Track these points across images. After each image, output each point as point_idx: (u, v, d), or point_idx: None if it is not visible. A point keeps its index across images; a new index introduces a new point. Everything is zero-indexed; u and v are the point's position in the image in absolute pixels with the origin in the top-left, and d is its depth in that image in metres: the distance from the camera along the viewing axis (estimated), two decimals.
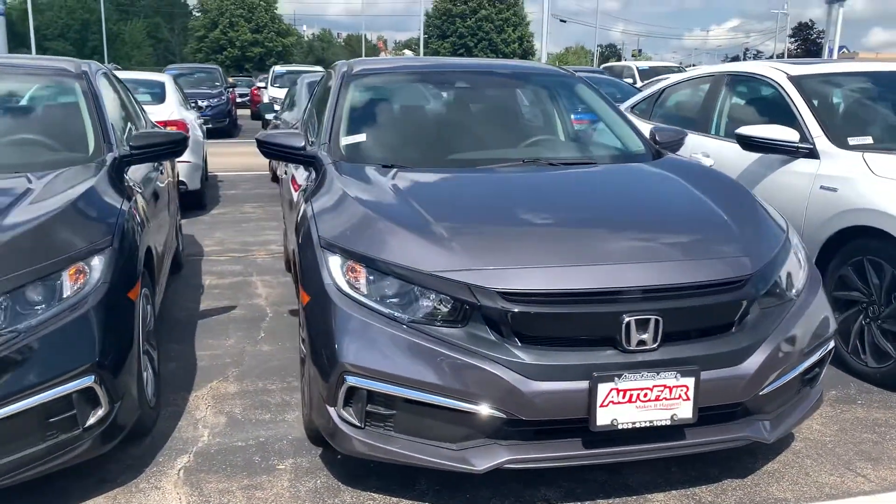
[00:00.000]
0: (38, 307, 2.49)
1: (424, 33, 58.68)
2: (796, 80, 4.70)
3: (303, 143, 3.68)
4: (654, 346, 2.45)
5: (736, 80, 5.39)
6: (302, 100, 8.80)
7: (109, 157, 3.57)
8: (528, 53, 60.44)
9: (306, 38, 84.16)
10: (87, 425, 2.55)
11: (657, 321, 2.43)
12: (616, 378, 2.39)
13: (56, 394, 2.45)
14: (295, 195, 3.95)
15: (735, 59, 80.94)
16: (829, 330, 2.83)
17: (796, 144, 4.30)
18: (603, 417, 2.41)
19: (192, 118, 9.08)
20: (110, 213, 3.02)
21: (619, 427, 2.43)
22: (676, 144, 4.08)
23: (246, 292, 5.39)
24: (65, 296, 2.56)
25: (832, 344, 2.87)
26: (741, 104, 5.34)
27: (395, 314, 2.52)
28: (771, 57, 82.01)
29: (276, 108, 11.32)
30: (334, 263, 2.70)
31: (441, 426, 2.50)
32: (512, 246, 2.61)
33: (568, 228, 2.78)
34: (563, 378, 2.39)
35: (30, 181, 3.10)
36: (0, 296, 2.41)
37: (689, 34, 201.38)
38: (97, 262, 2.70)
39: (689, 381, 2.44)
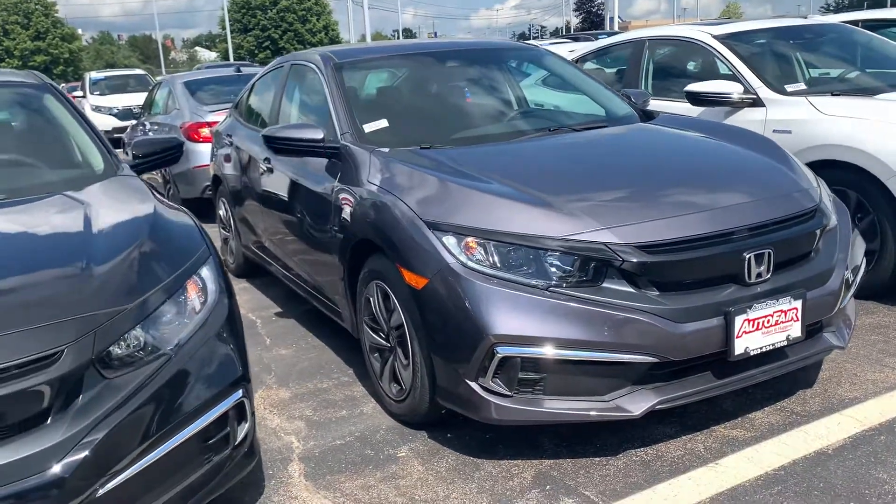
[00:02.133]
0: (178, 326, 2.32)
1: (224, 28, 56.46)
2: (723, 39, 5.20)
3: (322, 135, 3.59)
4: (768, 276, 2.71)
5: (657, 43, 5.83)
6: (181, 102, 8.33)
7: (127, 170, 3.30)
8: (334, 42, 59.98)
9: (85, 42, 78.11)
10: (236, 443, 2.41)
11: (769, 254, 2.70)
12: (748, 310, 2.63)
13: (216, 413, 2.30)
14: (276, 193, 3.84)
15: (522, 35, 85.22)
16: (863, 248, 3.25)
17: (741, 96, 4.78)
18: (739, 347, 2.64)
19: None
20: (186, 222, 2.82)
21: (751, 354, 2.67)
22: (647, 105, 4.40)
23: None
24: (196, 310, 2.40)
25: (863, 259, 3.29)
26: (667, 66, 5.79)
27: (532, 282, 2.60)
28: (556, 31, 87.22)
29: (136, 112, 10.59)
30: (450, 242, 2.72)
31: (589, 381, 2.63)
32: (628, 203, 2.77)
33: (661, 182, 2.97)
34: (703, 317, 2.59)
35: (75, 201, 2.83)
36: (139, 322, 2.21)
37: (475, 14, 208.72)
38: (207, 273, 2.53)
39: (799, 304, 2.73)
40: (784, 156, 3.33)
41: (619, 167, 3.12)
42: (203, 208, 8.07)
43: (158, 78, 12.24)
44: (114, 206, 2.81)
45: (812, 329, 2.92)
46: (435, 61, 4.32)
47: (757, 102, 4.76)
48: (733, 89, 4.78)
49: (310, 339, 4.32)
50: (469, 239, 2.70)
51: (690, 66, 5.61)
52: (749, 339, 2.66)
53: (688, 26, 5.68)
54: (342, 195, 3.44)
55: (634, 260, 2.57)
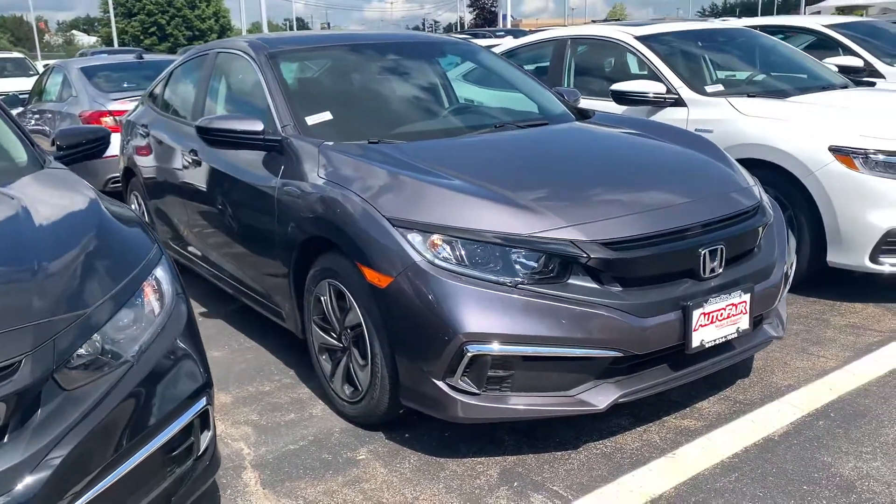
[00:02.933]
0: (137, 331, 2.16)
1: (105, 12, 53.70)
2: (644, 40, 5.36)
3: (262, 127, 3.46)
4: (720, 271, 2.81)
5: (579, 42, 5.95)
6: (78, 89, 7.83)
7: (55, 163, 3.07)
8: (225, 29, 58.16)
9: None
10: (199, 453, 2.29)
11: (721, 249, 2.80)
12: (703, 304, 2.72)
13: (181, 422, 2.16)
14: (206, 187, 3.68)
15: (416, 29, 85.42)
16: (794, 243, 3.43)
17: (664, 95, 4.95)
18: (696, 340, 2.73)
19: None
20: (132, 218, 2.65)
21: (706, 346, 2.77)
22: (578, 103, 4.48)
23: None
24: (154, 313, 2.25)
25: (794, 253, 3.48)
26: (589, 65, 5.92)
27: (500, 279, 2.59)
28: (449, 27, 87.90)
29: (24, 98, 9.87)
30: (416, 240, 2.67)
31: (554, 376, 2.65)
32: (589, 201, 2.80)
33: (616, 180, 3.02)
34: (663, 311, 2.66)
35: (4, 196, 2.59)
36: (98, 328, 2.05)
37: (368, 6, 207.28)
38: (162, 274, 2.38)
39: (748, 297, 2.85)
40: (722, 154, 3.47)
41: (572, 165, 3.16)
42: None
43: (49, 62, 11.48)
44: (51, 201, 2.60)
45: (755, 321, 3.06)
46: (373, 53, 4.24)
47: (679, 102, 4.94)
48: (656, 89, 4.94)
49: (242, 339, 4.16)
50: (435, 236, 2.66)
51: (611, 65, 5.76)
52: (704, 332, 2.75)
53: (610, 26, 5.83)
54: (287, 190, 3.32)
55: (600, 256, 2.60)
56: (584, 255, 2.59)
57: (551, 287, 2.60)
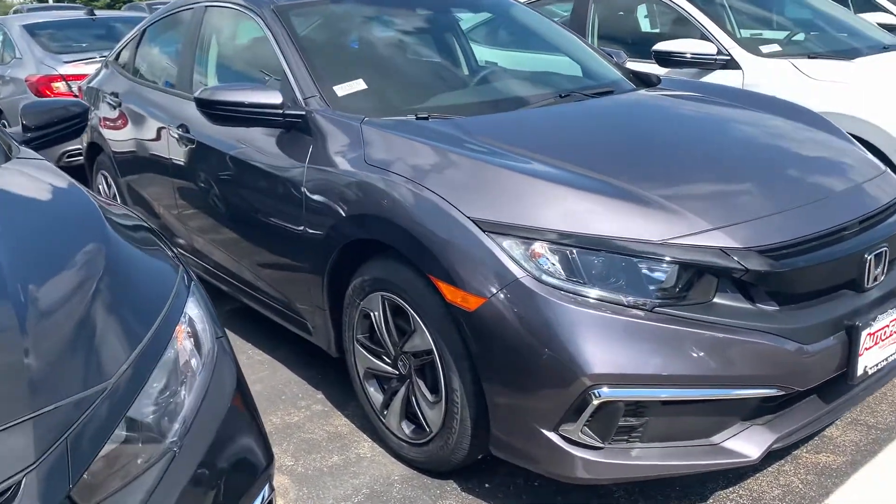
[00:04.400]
0: (175, 402, 1.52)
1: None
2: None
3: (282, 100, 2.78)
4: (882, 279, 2.28)
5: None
6: (22, 49, 6.90)
7: (27, 151, 2.37)
8: None
9: None
10: None
11: (886, 251, 2.26)
12: (871, 321, 2.18)
13: None
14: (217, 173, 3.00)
15: None
16: None
17: (714, 56, 4.38)
18: (860, 367, 2.19)
19: None
20: (144, 232, 1.98)
21: (869, 373, 2.24)
22: (625, 65, 3.88)
23: None
24: (194, 371, 1.60)
25: None
26: (617, 20, 5.30)
27: (631, 300, 2.00)
28: None
29: None
30: (514, 249, 2.06)
31: (693, 421, 2.09)
32: (726, 195, 2.22)
33: (742, 166, 2.42)
34: (826, 334, 2.12)
35: None
36: (126, 409, 1.41)
37: None
38: (195, 311, 1.74)
39: None
40: (840, 131, 2.91)
41: (680, 148, 2.55)
42: None
43: None
44: (33, 214, 1.91)
45: None
46: (402, 5, 3.55)
47: (730, 64, 4.37)
48: (706, 49, 4.37)
49: (249, 350, 3.51)
50: (538, 244, 2.06)
51: (642, 20, 5.16)
52: (869, 355, 2.21)
53: None
54: (319, 178, 2.66)
55: (757, 268, 2.03)
56: (740, 268, 2.02)
57: (694, 309, 2.03)
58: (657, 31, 5.00)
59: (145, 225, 2.05)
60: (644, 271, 2.03)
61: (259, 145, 3.00)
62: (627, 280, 2.03)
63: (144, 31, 4.39)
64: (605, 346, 1.96)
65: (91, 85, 4.80)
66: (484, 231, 2.11)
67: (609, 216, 2.08)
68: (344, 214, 2.54)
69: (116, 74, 4.51)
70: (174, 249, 1.97)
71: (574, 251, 2.04)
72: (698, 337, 1.98)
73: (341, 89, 2.88)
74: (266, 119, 2.81)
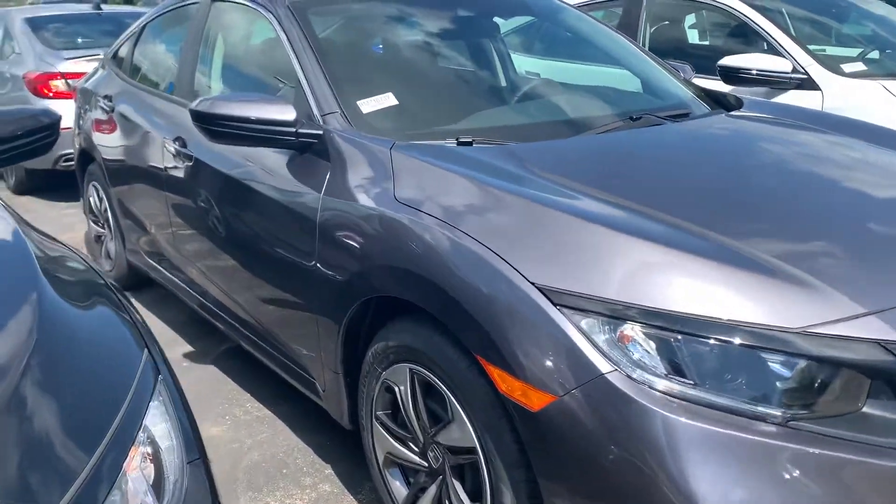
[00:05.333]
0: None
1: None
2: (751, 2, 4.24)
3: (295, 116, 2.27)
4: None
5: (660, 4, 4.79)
6: (22, 44, 6.43)
7: None
8: None
9: None
10: None
11: None
12: None
13: None
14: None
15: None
16: None
17: (788, 75, 3.85)
18: None
19: None
20: (98, 287, 1.48)
21: None
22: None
23: None
24: None
25: None
26: (673, 29, 4.78)
27: (759, 411, 1.47)
28: None
29: None
30: (596, 331, 1.54)
31: None
32: (878, 265, 1.68)
33: (891, 225, 1.89)
34: None
35: None
36: None
37: None
38: (158, 421, 1.23)
39: None
40: None
41: (797, 194, 2.00)
42: (57, 183, 6.35)
43: None
44: None
45: None
46: (437, 7, 3.03)
47: (807, 84, 3.84)
48: (780, 66, 3.84)
49: (247, 402, 3.00)
50: (628, 326, 1.54)
51: (696, 30, 4.63)
52: None
53: None
54: (336, 214, 2.15)
55: None
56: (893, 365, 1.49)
57: (841, 423, 1.49)
58: (712, 42, 4.47)
59: (103, 281, 1.55)
60: (774, 370, 1.50)
61: (267, 166, 2.50)
62: (751, 381, 1.50)
63: (144, 27, 3.90)
64: (724, 478, 1.43)
65: (85, 85, 4.32)
66: (554, 304, 1.58)
67: (728, 291, 1.54)
68: (365, 262, 2.02)
69: (112, 75, 4.03)
70: (139, 318, 1.46)
71: (679, 338, 1.51)
72: (844, 463, 1.45)
73: (367, 105, 2.36)
74: (275, 139, 2.30)
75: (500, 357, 1.63)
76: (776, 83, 3.86)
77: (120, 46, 4.13)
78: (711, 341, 1.50)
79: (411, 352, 1.93)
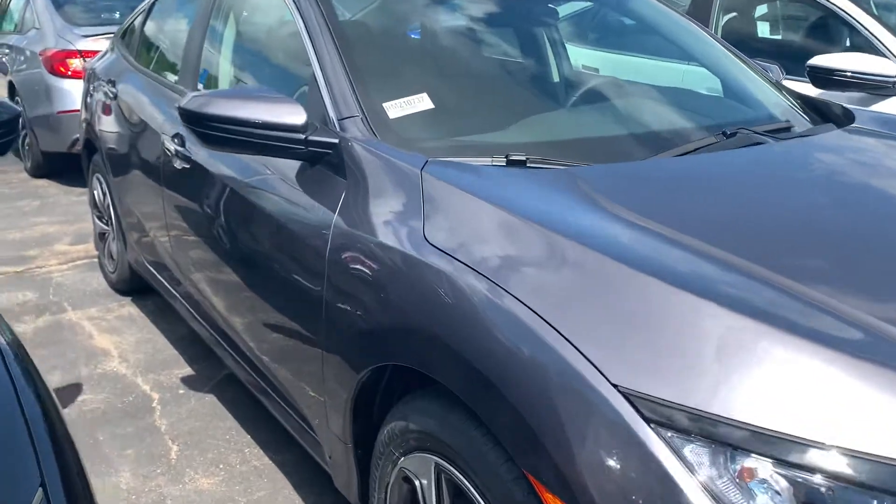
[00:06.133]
0: None
1: None
2: None
3: (304, 120, 1.81)
4: None
5: None
6: (42, 19, 6.07)
7: None
8: None
9: None
10: None
11: None
12: None
13: None
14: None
15: None
16: None
17: (893, 79, 3.29)
18: None
19: None
20: None
21: None
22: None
23: (78, 349, 3.24)
24: None
25: None
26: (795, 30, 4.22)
27: None
28: None
29: None
30: (705, 464, 1.06)
31: None
32: None
33: None
34: None
35: None
36: None
37: None
38: None
39: None
40: None
41: None
42: (76, 166, 6.00)
43: None
44: None
45: None
46: None
47: None
48: (885, 69, 3.28)
49: (246, 448, 2.57)
50: (754, 461, 1.06)
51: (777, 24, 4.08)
52: None
53: None
54: (350, 249, 1.69)
55: None
56: None
57: None
58: (789, 37, 3.91)
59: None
60: None
61: (273, 174, 2.06)
62: None
63: (154, 3, 3.47)
64: None
65: (94, 66, 3.92)
66: (646, 419, 1.10)
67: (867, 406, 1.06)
68: (382, 317, 1.56)
69: (119, 57, 3.61)
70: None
71: (832, 487, 1.03)
72: None
73: (395, 108, 1.89)
74: (280, 147, 1.85)
75: (561, 482, 1.17)
76: (877, 88, 3.31)
77: (129, 25, 3.71)
78: (879, 493, 1.01)
79: (438, 443, 1.47)
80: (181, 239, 2.72)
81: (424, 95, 1.92)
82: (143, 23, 3.48)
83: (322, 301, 1.77)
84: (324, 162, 1.87)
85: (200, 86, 2.68)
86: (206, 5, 2.79)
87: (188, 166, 2.50)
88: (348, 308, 1.68)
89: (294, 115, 1.81)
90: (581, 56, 3.45)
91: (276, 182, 2.03)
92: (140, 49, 3.41)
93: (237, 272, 2.29)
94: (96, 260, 4.12)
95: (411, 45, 2.31)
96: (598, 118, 2.20)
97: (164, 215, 2.83)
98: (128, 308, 3.68)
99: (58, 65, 5.61)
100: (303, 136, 1.82)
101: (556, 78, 2.66)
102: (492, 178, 1.62)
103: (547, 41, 2.87)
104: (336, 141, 1.83)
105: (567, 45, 3.04)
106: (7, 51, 6.51)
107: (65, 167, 6.22)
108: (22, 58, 6.13)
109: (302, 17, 2.13)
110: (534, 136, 1.95)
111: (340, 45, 2.01)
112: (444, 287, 1.41)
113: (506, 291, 1.31)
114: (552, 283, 1.32)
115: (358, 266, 1.65)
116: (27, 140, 6.21)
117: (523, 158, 1.70)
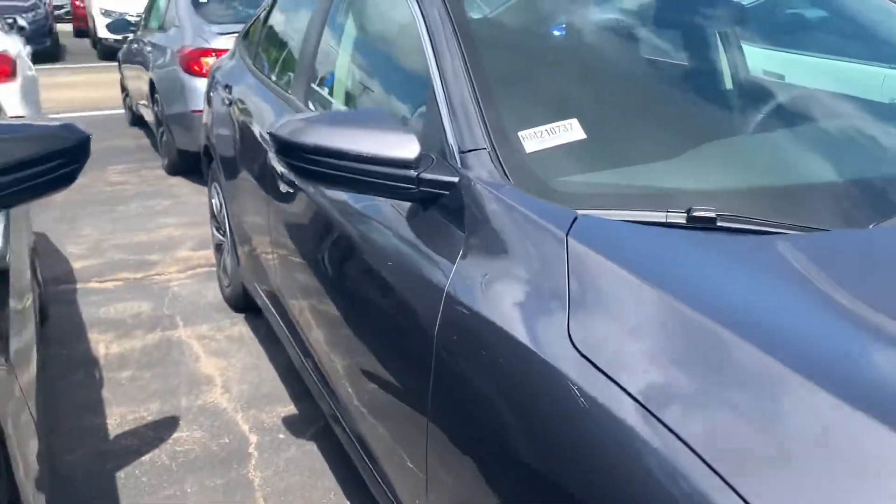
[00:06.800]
0: None
1: None
2: None
3: (417, 154, 1.41)
4: None
5: None
6: (182, 16, 6.05)
7: None
8: None
9: None
10: None
11: None
12: None
13: None
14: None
15: None
16: None
17: None
18: None
19: (17, 46, 6.10)
20: None
21: None
22: None
23: (182, 375, 3.02)
24: None
25: None
26: None
27: None
28: None
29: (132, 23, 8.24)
30: None
31: None
32: None
33: None
34: None
35: None
36: None
37: None
38: None
39: None
40: None
41: None
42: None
43: None
44: None
45: None
46: None
47: None
48: None
49: None
50: None
51: None
52: None
53: None
54: (465, 327, 1.28)
55: None
56: None
57: None
58: None
59: None
60: None
61: (381, 209, 1.67)
62: None
63: (274, 3, 3.19)
64: None
65: (215, 69, 3.71)
66: None
67: None
68: (499, 432, 1.13)
69: (238, 60, 3.37)
70: None
71: None
72: None
73: (533, 139, 1.45)
74: (387, 185, 1.45)
75: None
76: None
77: (252, 24, 3.46)
78: None
79: None
80: (285, 266, 2.41)
81: (574, 122, 1.46)
82: (263, 23, 3.21)
83: (430, 371, 1.37)
84: (439, 205, 1.46)
85: (313, 105, 2.34)
86: (323, 6, 2.45)
87: (292, 190, 2.17)
88: (460, 396, 1.26)
89: (404, 147, 1.41)
90: (758, 58, 2.88)
91: (389, 216, 1.65)
92: (257, 51, 3.14)
93: (340, 311, 1.93)
94: (215, 269, 3.95)
95: (558, 54, 1.85)
96: (804, 149, 1.67)
97: (271, 239, 2.53)
98: (239, 327, 3.45)
99: (192, 63, 5.54)
100: (414, 174, 1.42)
101: (739, 92, 2.12)
102: (668, 248, 1.16)
103: (726, 43, 2.33)
104: (455, 180, 1.42)
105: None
106: (149, 50, 6.56)
107: (198, 166, 6.19)
108: (162, 55, 6.13)
109: (423, 15, 1.73)
110: (722, 178, 1.46)
111: (467, 52, 1.59)
112: (589, 418, 0.96)
113: (682, 442, 0.85)
114: (763, 444, 0.84)
115: (472, 354, 1.23)
116: (164, 138, 6.23)
117: (712, 215, 1.22)
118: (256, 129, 2.65)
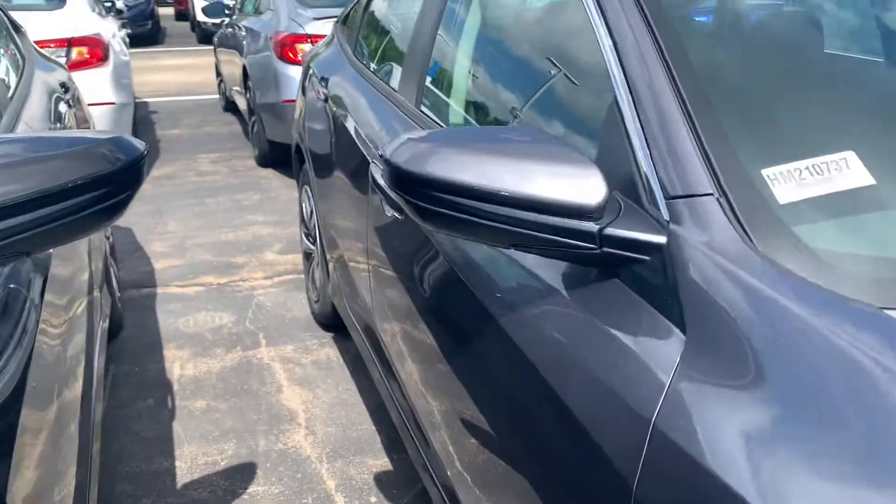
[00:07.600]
0: None
1: None
2: None
3: (602, 197, 0.92)
4: None
5: None
6: (277, 0, 5.70)
7: None
8: None
9: None
10: None
11: None
12: None
13: None
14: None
15: None
16: None
17: None
18: None
19: (111, 29, 5.91)
20: None
21: None
22: None
23: (261, 409, 2.64)
24: None
25: None
26: None
27: None
28: None
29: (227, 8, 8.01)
30: None
31: None
32: None
33: None
34: None
35: None
36: None
37: None
38: None
39: None
40: None
41: None
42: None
43: None
44: None
45: None
46: None
47: None
48: None
49: None
50: None
51: None
52: None
53: None
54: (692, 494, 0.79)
55: None
56: None
57: None
58: None
59: None
60: None
61: (525, 264, 1.20)
62: None
63: None
64: None
65: (309, 59, 3.32)
66: None
67: None
68: None
69: (336, 48, 2.95)
70: None
71: None
72: None
73: (787, 181, 0.95)
74: (551, 241, 0.98)
75: None
76: None
77: (351, 8, 3.04)
78: None
79: None
80: (382, 295, 1.98)
81: (851, 155, 0.95)
82: (365, 6, 2.77)
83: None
84: (630, 276, 0.98)
85: (426, 107, 1.88)
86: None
87: (399, 216, 1.73)
88: None
89: (582, 187, 0.94)
90: None
91: (528, 272, 1.18)
92: (357, 39, 2.71)
93: (447, 365, 1.48)
94: (303, 277, 3.59)
95: (811, 54, 1.32)
96: None
97: (367, 261, 2.10)
98: (327, 350, 3.06)
99: (286, 50, 5.20)
100: (595, 227, 0.95)
101: None
102: None
103: None
104: (662, 241, 0.94)
105: None
106: (243, 34, 6.28)
107: (290, 158, 5.88)
108: (255, 41, 5.83)
109: (600, 8, 1.23)
110: None
111: (669, 53, 1.10)
112: None
113: None
114: None
115: None
116: (255, 128, 5.95)
117: None
118: (355, 130, 2.22)
